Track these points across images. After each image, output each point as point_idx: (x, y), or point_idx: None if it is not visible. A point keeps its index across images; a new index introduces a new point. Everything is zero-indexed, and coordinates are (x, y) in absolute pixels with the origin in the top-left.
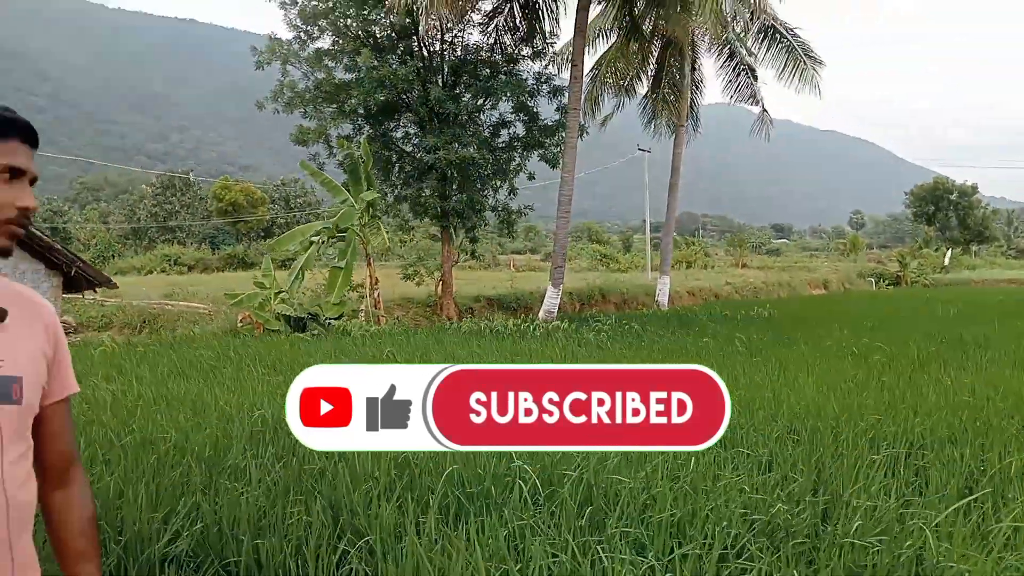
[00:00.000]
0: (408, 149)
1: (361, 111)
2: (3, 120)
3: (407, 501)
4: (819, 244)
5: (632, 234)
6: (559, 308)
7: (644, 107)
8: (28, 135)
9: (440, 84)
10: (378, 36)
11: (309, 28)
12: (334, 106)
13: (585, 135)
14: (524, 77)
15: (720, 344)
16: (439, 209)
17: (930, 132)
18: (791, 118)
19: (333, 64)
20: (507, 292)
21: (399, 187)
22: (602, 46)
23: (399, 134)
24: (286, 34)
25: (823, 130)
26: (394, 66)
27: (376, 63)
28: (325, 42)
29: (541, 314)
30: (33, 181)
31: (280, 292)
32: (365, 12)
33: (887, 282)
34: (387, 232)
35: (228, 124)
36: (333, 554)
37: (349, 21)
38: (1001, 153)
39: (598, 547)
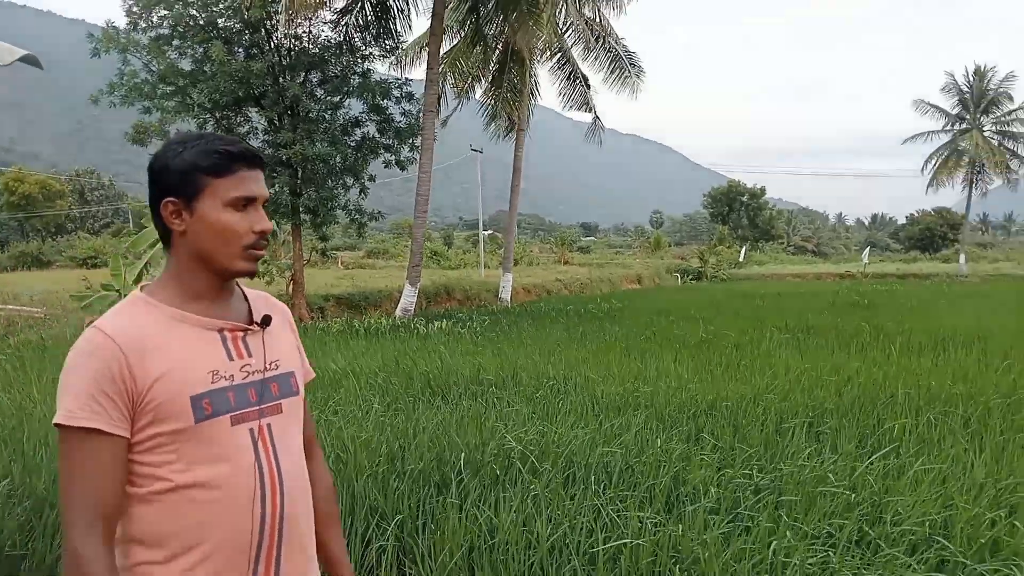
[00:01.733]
0: (257, 145)
1: (208, 105)
2: (229, 154)
3: None
4: (622, 242)
5: (452, 230)
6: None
7: (481, 108)
8: (252, 161)
9: (298, 81)
10: (221, 27)
11: (146, 14)
12: (176, 99)
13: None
14: (379, 79)
15: (586, 333)
16: (290, 206)
17: (717, 139)
18: (589, 119)
19: (177, 56)
20: (355, 290)
21: None
22: (446, 44)
23: (245, 129)
24: (122, 20)
25: (625, 133)
26: (244, 60)
27: (229, 57)
28: (165, 31)
29: (398, 312)
30: (265, 202)
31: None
32: (209, 1)
33: (690, 277)
34: None
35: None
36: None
37: (192, 10)
38: (778, 160)
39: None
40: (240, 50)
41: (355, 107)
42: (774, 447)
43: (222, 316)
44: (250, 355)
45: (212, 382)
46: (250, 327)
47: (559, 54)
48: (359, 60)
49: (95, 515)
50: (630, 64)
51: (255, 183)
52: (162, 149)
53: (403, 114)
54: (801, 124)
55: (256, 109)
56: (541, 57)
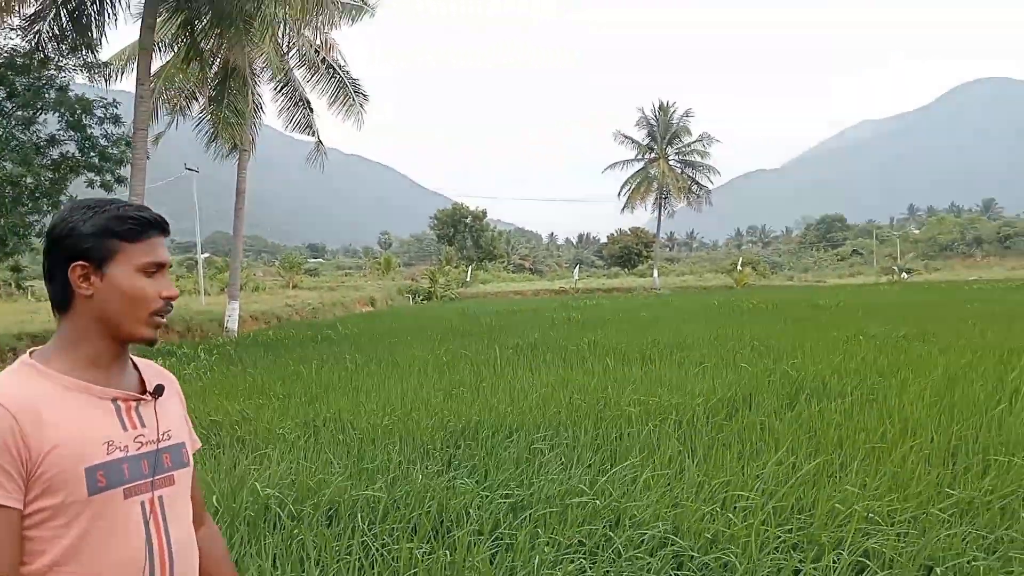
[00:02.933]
0: None
1: None
2: (143, 221)
3: None
4: (352, 263)
5: None
6: None
7: (197, 126)
8: (163, 228)
9: None
10: None
11: None
12: None
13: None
14: (79, 94)
15: (325, 360)
16: None
17: (441, 164)
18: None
19: None
20: (40, 330)
21: None
22: (159, 59)
23: None
24: None
25: (348, 154)
26: None
27: None
28: None
29: None
30: (169, 267)
31: None
32: None
33: (422, 297)
34: None
35: None
36: None
37: None
38: (496, 184)
39: None
40: None
41: (52, 123)
42: (525, 464)
43: (116, 385)
44: (143, 425)
45: (107, 453)
46: (143, 397)
47: (283, 75)
48: (54, 72)
49: None
50: (354, 91)
51: (163, 249)
52: (66, 213)
53: (105, 136)
54: (517, 151)
55: None
56: (263, 77)
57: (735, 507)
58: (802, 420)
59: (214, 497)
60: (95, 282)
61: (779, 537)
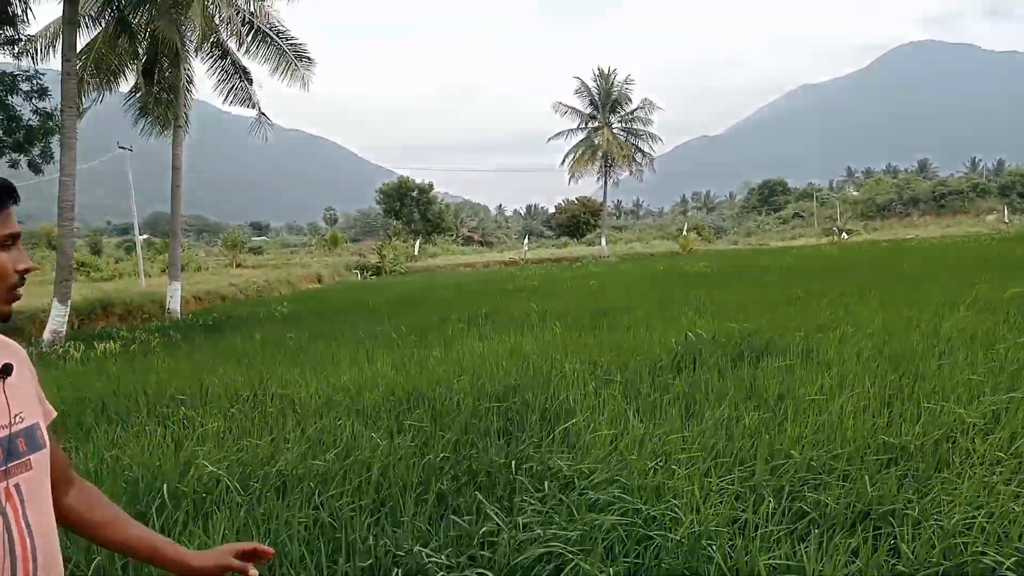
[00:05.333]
0: None
1: None
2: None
3: None
4: (298, 241)
5: (100, 237)
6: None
7: (131, 103)
8: (14, 196)
9: None
10: None
11: None
12: None
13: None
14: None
15: (269, 338)
16: None
17: (386, 138)
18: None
19: None
20: None
21: None
22: (85, 35)
23: None
24: None
25: (288, 129)
26: None
27: None
28: None
29: (46, 335)
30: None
31: None
32: None
33: (370, 273)
34: None
35: None
36: None
37: None
38: (442, 156)
39: None
40: None
41: None
42: (472, 430)
43: None
44: None
45: None
46: None
47: (216, 47)
48: None
49: None
50: (297, 57)
51: (14, 219)
52: None
53: (35, 112)
54: (461, 124)
55: None
56: (197, 51)
57: (678, 460)
58: (744, 377)
59: (164, 487)
60: None
61: (721, 488)
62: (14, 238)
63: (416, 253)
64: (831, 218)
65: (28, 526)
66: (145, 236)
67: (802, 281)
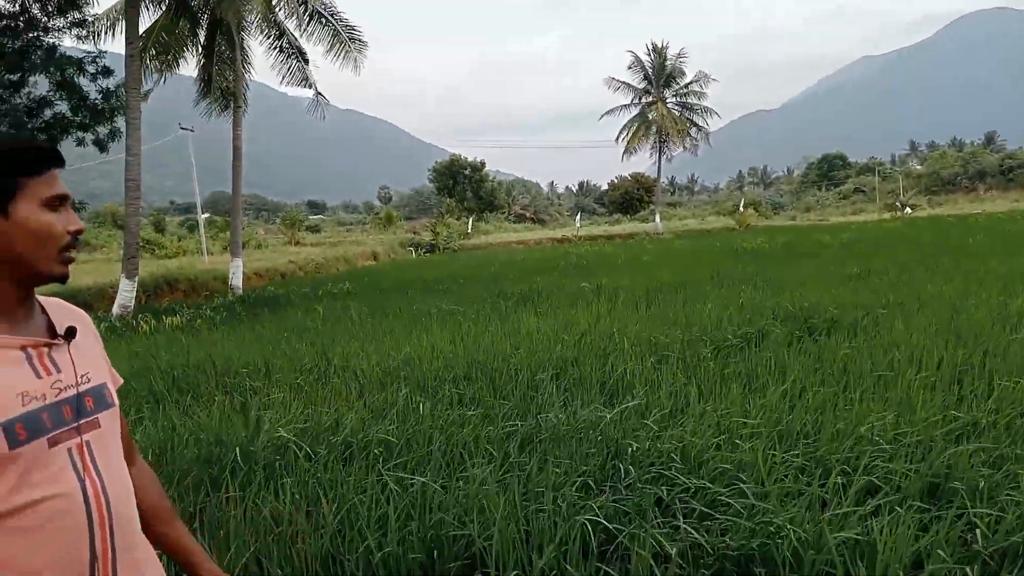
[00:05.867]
0: None
1: None
2: (43, 153)
3: None
4: (353, 219)
5: (163, 216)
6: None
7: (192, 85)
8: (60, 160)
9: None
10: None
11: None
12: None
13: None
14: (67, 53)
15: (330, 313)
16: None
17: (437, 116)
18: (310, 94)
19: None
20: (60, 290)
21: None
22: (146, 18)
23: None
24: None
25: (343, 109)
26: None
27: None
28: None
29: (115, 310)
30: (71, 202)
31: None
32: None
33: (424, 250)
34: None
35: None
36: None
37: None
38: (495, 134)
39: None
40: None
41: (43, 85)
42: (528, 401)
43: (23, 332)
44: (59, 371)
45: (24, 405)
46: (54, 341)
47: (274, 28)
48: (41, 34)
49: None
50: (350, 39)
51: (61, 181)
52: None
53: (100, 92)
54: (513, 103)
55: None
56: (254, 30)
57: (740, 435)
58: (808, 353)
59: (236, 451)
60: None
61: (785, 461)
62: (62, 199)
63: (469, 231)
64: (893, 193)
65: (102, 482)
66: (207, 215)
67: (863, 257)
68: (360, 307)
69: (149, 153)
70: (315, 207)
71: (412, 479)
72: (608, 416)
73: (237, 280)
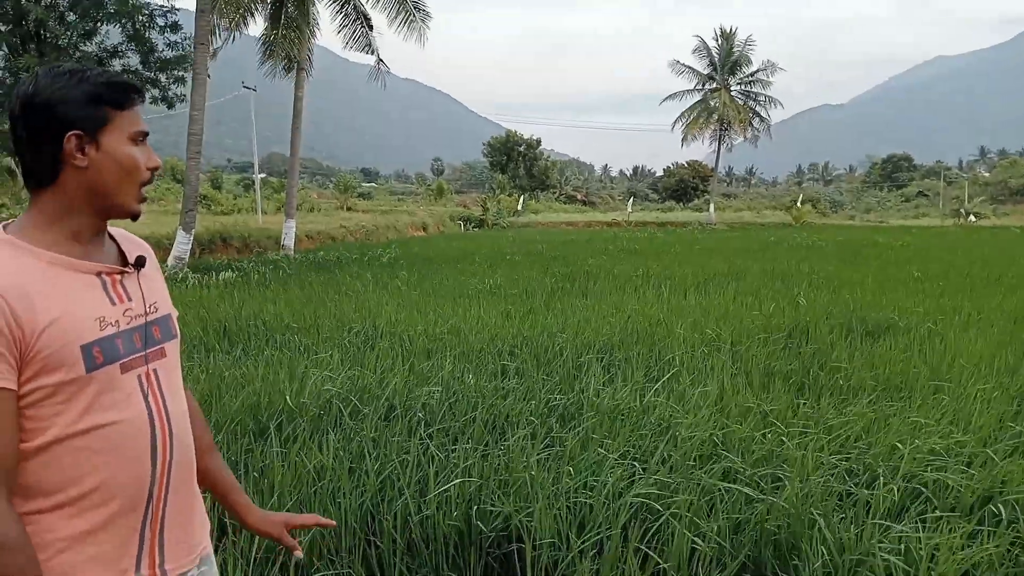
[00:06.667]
0: None
1: None
2: (129, 87)
3: None
4: (404, 189)
5: (220, 173)
6: None
7: (257, 44)
8: (143, 95)
9: (42, 3)
10: None
11: None
12: None
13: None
14: (139, 3)
15: (380, 279)
16: None
17: (492, 91)
18: (371, 61)
19: None
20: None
21: None
22: None
23: None
24: None
25: (403, 78)
26: None
27: None
28: None
29: (170, 261)
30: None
31: None
32: None
33: (473, 224)
34: None
35: None
36: None
37: None
38: (550, 113)
39: None
40: None
41: (115, 36)
42: (572, 379)
43: (97, 259)
44: (130, 299)
45: (101, 329)
46: (126, 269)
47: None
48: None
49: None
50: (415, 8)
51: (141, 117)
52: (45, 80)
53: (169, 45)
54: (570, 82)
55: None
56: None
57: (787, 432)
58: (861, 354)
59: (287, 396)
60: (90, 152)
61: (834, 464)
62: (144, 135)
63: (520, 208)
64: (958, 199)
65: (166, 409)
66: (262, 175)
67: (922, 262)
68: (408, 276)
69: (209, 110)
70: (368, 174)
71: (454, 446)
72: (654, 399)
73: (289, 241)
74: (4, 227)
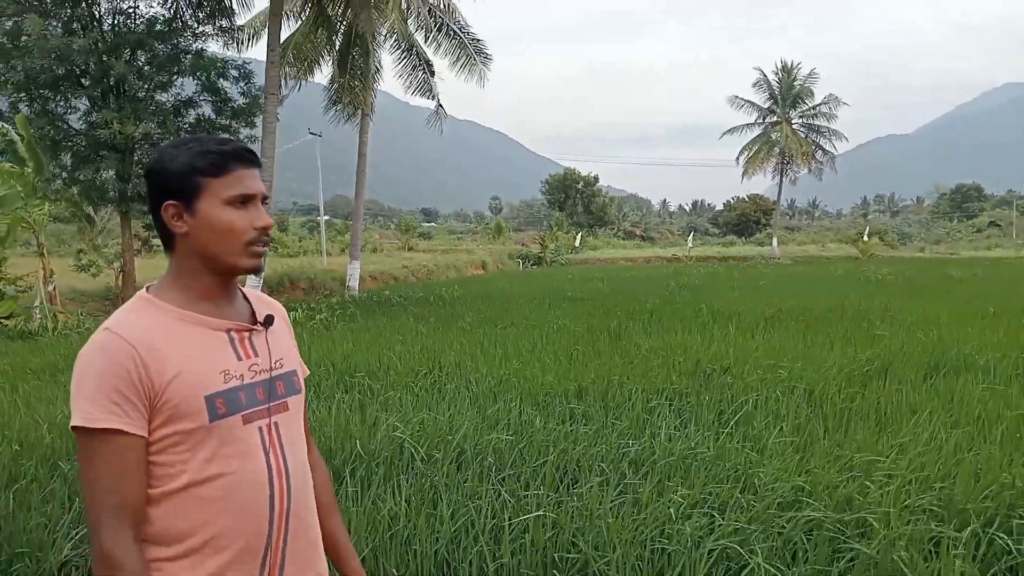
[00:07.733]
0: (78, 127)
1: (17, 83)
2: (224, 154)
3: None
4: (464, 228)
5: (286, 216)
6: None
7: (324, 92)
8: (247, 159)
9: (124, 59)
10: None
11: None
12: None
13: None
14: (212, 56)
15: (442, 320)
16: (117, 192)
17: (547, 128)
18: (431, 105)
19: None
20: None
21: (70, 169)
22: (286, 28)
23: (63, 110)
24: None
25: (461, 119)
26: (63, 35)
27: (46, 31)
28: None
29: None
30: (265, 200)
31: None
32: None
33: (531, 262)
34: (47, 217)
35: None
36: None
37: None
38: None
39: None
40: (58, 24)
41: (189, 87)
42: (642, 424)
43: (227, 317)
44: (256, 355)
45: (225, 382)
46: (254, 327)
47: (404, 40)
48: (191, 39)
49: (123, 516)
50: (476, 52)
51: (252, 180)
52: (157, 154)
53: (241, 94)
54: (627, 116)
55: (77, 89)
56: (385, 42)
57: (869, 475)
58: (941, 393)
59: (356, 441)
60: (187, 219)
61: (920, 507)
62: (247, 198)
63: (578, 245)
64: None
65: (286, 462)
66: (327, 217)
67: (997, 296)
68: (470, 315)
69: (277, 155)
70: (428, 214)
71: (526, 493)
72: (727, 445)
73: (354, 281)
74: (147, 288)
